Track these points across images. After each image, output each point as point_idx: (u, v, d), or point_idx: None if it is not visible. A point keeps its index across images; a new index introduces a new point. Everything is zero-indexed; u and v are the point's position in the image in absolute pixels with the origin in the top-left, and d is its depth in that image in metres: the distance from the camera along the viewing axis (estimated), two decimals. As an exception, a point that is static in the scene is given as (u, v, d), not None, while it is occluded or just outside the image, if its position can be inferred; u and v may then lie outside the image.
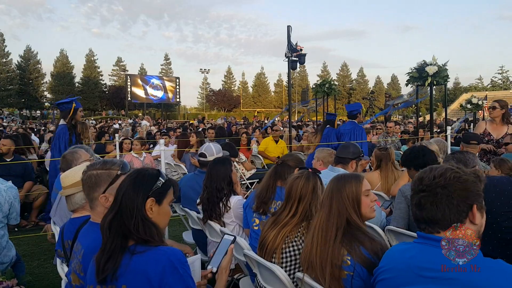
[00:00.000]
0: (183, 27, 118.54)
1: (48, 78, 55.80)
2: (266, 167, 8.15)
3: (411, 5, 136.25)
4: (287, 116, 11.17)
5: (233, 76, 71.42)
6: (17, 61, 53.11)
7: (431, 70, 6.98)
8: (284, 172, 2.88)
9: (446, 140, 5.94)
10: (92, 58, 58.83)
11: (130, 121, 29.97)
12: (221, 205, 3.17)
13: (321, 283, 1.85)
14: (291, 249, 2.27)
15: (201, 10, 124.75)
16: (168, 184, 1.68)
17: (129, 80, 48.10)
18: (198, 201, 3.38)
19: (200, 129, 13.42)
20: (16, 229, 5.56)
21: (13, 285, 2.93)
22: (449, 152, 4.95)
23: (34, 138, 10.52)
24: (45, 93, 56.17)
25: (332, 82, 11.40)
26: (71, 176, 2.21)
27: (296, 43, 8.67)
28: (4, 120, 28.72)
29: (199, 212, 3.44)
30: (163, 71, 63.41)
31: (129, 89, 47.44)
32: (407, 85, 8.01)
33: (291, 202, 2.32)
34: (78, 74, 57.49)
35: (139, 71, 60.69)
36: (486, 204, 1.55)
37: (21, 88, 51.77)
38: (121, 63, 62.80)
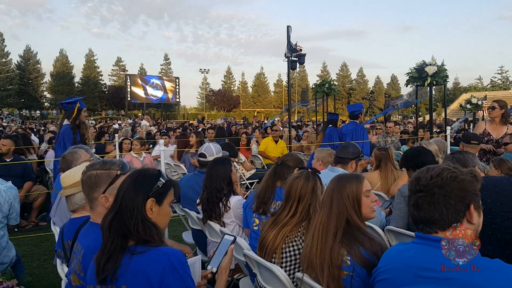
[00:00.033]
0: (183, 27, 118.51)
1: (47, 78, 55.85)
2: (265, 167, 8.15)
3: (411, 5, 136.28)
4: (287, 116, 11.17)
5: (232, 76, 71.45)
6: (17, 61, 53.11)
7: (430, 70, 6.98)
8: (283, 172, 2.88)
9: (446, 140, 5.95)
10: (92, 58, 58.81)
11: (130, 121, 29.97)
12: (220, 205, 3.17)
13: (320, 283, 1.85)
14: (291, 249, 2.27)
15: (201, 10, 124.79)
16: (169, 185, 1.68)
17: (128, 80, 48.03)
18: (198, 201, 3.38)
19: (199, 129, 13.43)
20: (16, 230, 5.57)
21: (13, 286, 2.94)
22: (448, 152, 4.96)
23: (34, 138, 10.52)
24: (45, 93, 56.17)
25: (331, 82, 11.39)
26: (71, 176, 2.21)
27: (296, 43, 8.67)
28: (4, 120, 28.71)
29: (199, 212, 3.44)
30: (163, 71, 63.39)
31: (128, 89, 47.38)
32: (406, 85, 8.01)
33: (291, 202, 2.32)
34: (77, 74, 57.53)
35: (139, 71, 60.66)
36: (486, 204, 1.56)
37: (20, 88, 51.76)
38: (121, 63, 62.78)
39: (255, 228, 2.84)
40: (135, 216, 1.55)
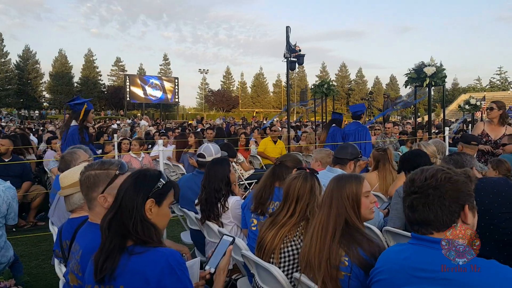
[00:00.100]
0: (182, 27, 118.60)
1: (46, 78, 55.85)
2: (264, 167, 8.15)
3: (410, 5, 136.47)
4: (286, 117, 11.17)
5: (232, 76, 71.52)
6: (16, 61, 53.11)
7: (429, 71, 7.00)
8: (282, 173, 2.88)
9: (444, 141, 5.96)
10: (91, 58, 58.81)
11: (129, 121, 29.94)
12: (219, 205, 3.17)
13: (318, 283, 1.85)
14: (290, 249, 2.28)
15: (200, 10, 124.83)
16: (169, 186, 1.68)
17: (128, 80, 47.99)
18: (196, 201, 3.38)
19: (198, 130, 13.43)
20: (14, 229, 5.56)
21: (11, 286, 2.93)
22: (447, 153, 4.97)
23: (33, 138, 10.52)
24: (44, 93, 56.17)
25: (330, 83, 11.40)
26: (70, 177, 2.21)
27: (295, 44, 8.67)
28: (3, 120, 28.69)
29: (197, 212, 3.44)
30: (162, 71, 63.41)
31: (128, 89, 47.35)
32: (405, 86, 8.03)
33: (289, 202, 2.33)
34: (76, 74, 57.58)
35: (138, 71, 60.66)
36: (484, 206, 1.57)
37: (19, 88, 51.72)
38: (120, 63, 62.77)
39: (253, 228, 2.84)
40: (134, 216, 1.55)
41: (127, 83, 47.58)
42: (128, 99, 47.54)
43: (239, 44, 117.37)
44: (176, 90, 51.35)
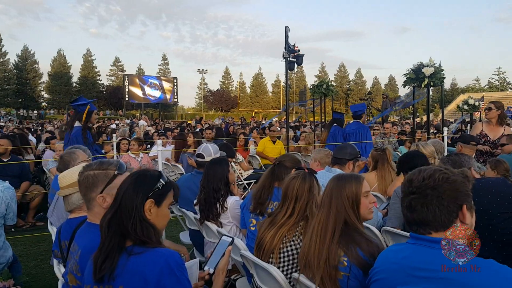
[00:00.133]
0: (181, 28, 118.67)
1: (45, 78, 55.80)
2: (263, 167, 8.15)
3: (409, 6, 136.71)
4: (285, 117, 11.18)
5: (230, 76, 71.54)
6: (14, 60, 53.06)
7: (427, 71, 6.99)
8: (281, 173, 2.88)
9: (443, 141, 5.97)
10: (90, 58, 58.76)
11: (128, 121, 29.93)
12: (218, 205, 3.17)
13: (317, 283, 1.86)
14: (289, 248, 2.28)
15: (199, 10, 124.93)
16: (169, 186, 1.68)
17: (126, 80, 47.94)
18: (195, 201, 3.38)
19: (197, 130, 13.42)
20: (13, 230, 5.56)
21: (10, 286, 2.93)
22: (445, 153, 4.98)
23: (31, 138, 10.50)
24: (42, 93, 56.12)
25: (329, 83, 11.41)
26: (69, 177, 2.21)
27: (294, 44, 8.67)
28: (1, 120, 28.65)
29: (196, 212, 3.44)
30: (161, 71, 63.38)
31: (126, 89, 47.30)
32: (404, 86, 8.03)
33: (288, 202, 2.33)
34: (75, 74, 57.55)
35: (136, 71, 60.65)
36: (482, 206, 1.57)
37: (18, 88, 51.65)
38: (119, 63, 62.74)
39: (252, 228, 2.84)
40: (133, 216, 1.55)
41: (126, 83, 47.54)
42: (127, 99, 47.49)
43: (238, 44, 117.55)
44: (175, 90, 51.32)
